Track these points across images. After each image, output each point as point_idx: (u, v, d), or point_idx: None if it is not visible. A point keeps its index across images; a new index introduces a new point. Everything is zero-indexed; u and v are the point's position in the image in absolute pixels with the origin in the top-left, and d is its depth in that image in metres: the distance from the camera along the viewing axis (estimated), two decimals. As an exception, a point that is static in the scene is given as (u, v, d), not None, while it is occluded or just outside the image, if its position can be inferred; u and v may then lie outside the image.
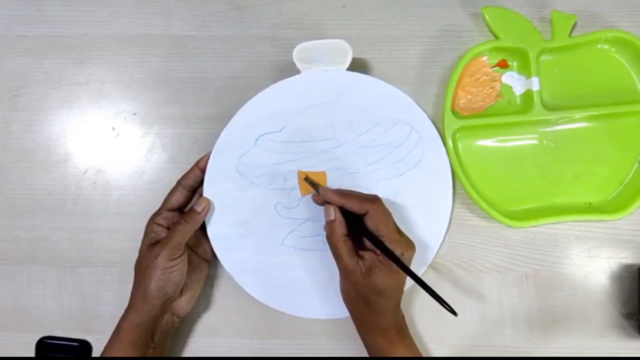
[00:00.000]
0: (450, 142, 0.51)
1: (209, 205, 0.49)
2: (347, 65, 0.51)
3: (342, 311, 0.50)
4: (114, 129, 0.55)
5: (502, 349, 0.51)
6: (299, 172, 0.51)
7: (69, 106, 0.55)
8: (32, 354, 0.53)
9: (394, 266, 0.44)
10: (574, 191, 0.52)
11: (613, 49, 0.53)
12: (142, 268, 0.47)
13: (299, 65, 0.51)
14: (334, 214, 0.45)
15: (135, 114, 0.55)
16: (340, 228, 0.45)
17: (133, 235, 0.53)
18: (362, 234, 0.46)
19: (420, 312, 0.52)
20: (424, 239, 0.50)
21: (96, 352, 0.53)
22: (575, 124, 0.52)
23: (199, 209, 0.49)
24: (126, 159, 0.55)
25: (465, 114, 0.53)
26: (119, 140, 0.55)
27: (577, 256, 0.52)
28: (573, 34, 0.52)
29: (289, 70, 0.52)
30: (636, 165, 0.52)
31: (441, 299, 0.44)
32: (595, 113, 0.51)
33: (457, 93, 0.53)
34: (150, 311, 0.46)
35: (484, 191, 0.52)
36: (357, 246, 0.46)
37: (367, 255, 0.45)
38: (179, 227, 0.47)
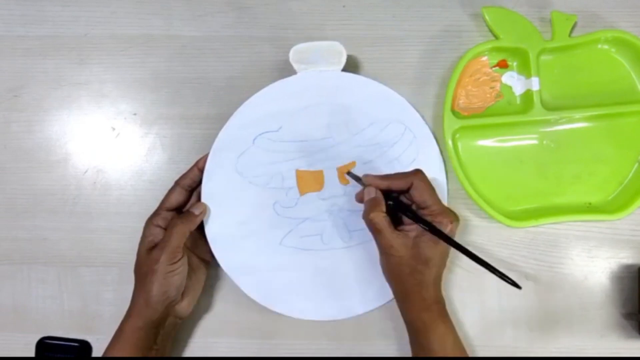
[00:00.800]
0: (450, 142, 0.51)
1: (206, 209, 0.49)
2: (341, 66, 0.51)
3: (341, 313, 0.50)
4: (114, 129, 0.55)
5: (502, 349, 0.51)
6: (297, 172, 0.51)
7: (69, 106, 0.55)
8: (32, 354, 0.52)
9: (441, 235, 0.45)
10: (574, 191, 0.52)
11: (613, 49, 0.52)
12: (142, 273, 0.47)
13: (295, 66, 0.51)
14: (374, 192, 0.46)
15: (135, 114, 0.55)
16: (381, 205, 0.45)
17: (133, 235, 0.52)
18: (404, 212, 0.46)
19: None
20: None
21: (96, 352, 0.53)
22: (575, 124, 0.52)
23: (196, 212, 0.48)
24: (126, 159, 0.54)
25: (465, 114, 0.53)
26: (119, 140, 0.55)
27: (577, 256, 0.52)
28: (573, 34, 0.52)
29: (289, 70, 0.51)
30: (636, 165, 0.52)
31: (498, 272, 0.44)
32: (595, 113, 0.51)
33: (457, 93, 0.53)
34: (153, 315, 0.46)
35: (484, 191, 0.51)
36: (396, 225, 0.46)
37: (410, 227, 0.46)
38: (174, 229, 0.47)
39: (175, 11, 0.55)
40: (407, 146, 0.51)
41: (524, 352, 0.51)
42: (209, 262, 0.51)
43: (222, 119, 0.51)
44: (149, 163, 0.54)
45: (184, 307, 0.48)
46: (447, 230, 0.44)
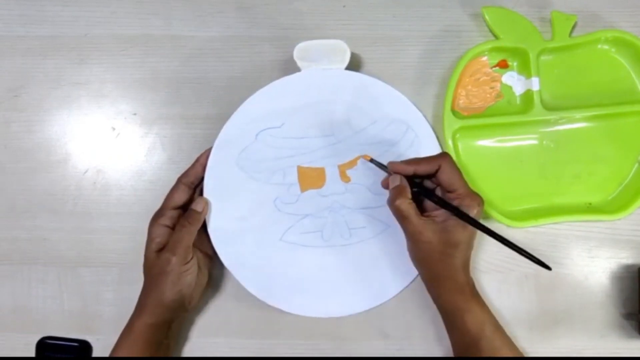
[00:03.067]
0: (450, 142, 0.50)
1: (207, 204, 0.48)
2: (345, 64, 0.50)
3: (340, 310, 0.48)
4: (114, 129, 0.54)
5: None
6: (299, 168, 0.50)
7: (69, 106, 0.54)
8: (32, 354, 0.51)
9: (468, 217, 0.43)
10: (574, 191, 0.51)
11: (613, 49, 0.51)
12: (153, 274, 0.46)
13: (299, 63, 0.50)
14: (399, 179, 0.45)
15: (135, 114, 0.54)
16: (406, 192, 0.44)
17: (133, 235, 0.52)
18: (430, 198, 0.45)
19: (420, 313, 0.50)
20: None
21: (96, 352, 0.52)
22: (575, 124, 0.51)
23: (199, 208, 0.47)
24: (126, 159, 0.53)
25: (465, 114, 0.52)
26: (119, 140, 0.53)
27: (577, 256, 0.51)
28: (573, 34, 0.51)
29: (289, 70, 0.51)
30: (636, 165, 0.51)
31: (527, 253, 0.43)
32: (595, 113, 0.50)
33: (457, 93, 0.52)
34: (165, 313, 0.46)
35: (484, 191, 0.50)
36: (421, 211, 0.45)
37: (437, 212, 0.45)
38: (183, 229, 0.46)
39: (175, 11, 0.54)
40: (408, 146, 0.50)
41: (524, 352, 0.50)
42: (212, 257, 0.50)
43: (222, 119, 0.50)
44: (149, 163, 0.53)
45: (193, 302, 0.48)
46: (474, 213, 0.43)
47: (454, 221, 0.44)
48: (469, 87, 0.52)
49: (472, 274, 0.50)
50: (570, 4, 0.52)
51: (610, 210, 0.49)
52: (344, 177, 0.50)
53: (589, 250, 0.51)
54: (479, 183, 0.51)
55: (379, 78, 0.51)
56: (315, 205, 0.49)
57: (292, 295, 0.49)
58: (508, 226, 0.49)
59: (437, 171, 0.45)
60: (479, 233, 0.44)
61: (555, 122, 0.51)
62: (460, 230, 0.43)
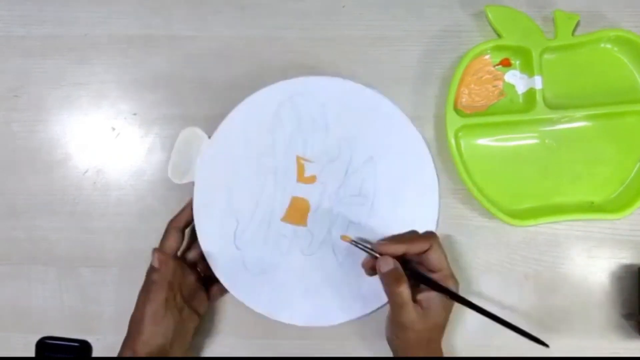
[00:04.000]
0: (452, 141, 0.49)
1: (164, 259, 0.45)
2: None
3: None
4: (114, 129, 0.53)
5: (502, 349, 0.49)
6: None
7: (69, 106, 0.53)
8: (32, 354, 0.50)
9: (446, 298, 0.42)
10: (576, 190, 0.50)
11: (616, 48, 0.50)
12: (130, 325, 0.45)
13: (175, 181, 0.48)
14: (392, 262, 0.42)
15: (135, 114, 0.53)
16: (404, 277, 0.42)
17: (133, 235, 0.51)
18: (425, 283, 0.43)
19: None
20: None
21: (96, 352, 0.51)
22: (578, 123, 0.50)
23: (155, 264, 0.45)
24: (126, 159, 0.52)
25: (468, 112, 0.51)
26: (119, 140, 0.53)
27: (577, 256, 0.50)
28: (576, 33, 0.50)
29: (289, 70, 0.50)
30: (638, 164, 0.50)
31: (522, 330, 0.43)
32: (597, 112, 0.49)
33: (460, 91, 0.51)
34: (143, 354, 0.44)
35: (486, 190, 0.49)
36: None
37: (422, 296, 0.42)
38: (146, 290, 0.45)
39: (175, 11, 0.53)
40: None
41: (524, 352, 0.49)
42: (202, 315, 0.48)
43: (222, 119, 0.49)
44: (149, 163, 0.52)
45: (173, 352, 0.45)
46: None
47: (436, 305, 0.42)
48: (472, 85, 0.51)
49: (472, 274, 0.50)
50: (573, 3, 0.51)
51: (613, 210, 0.48)
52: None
53: (589, 250, 0.50)
54: (481, 181, 0.50)
55: (379, 78, 0.50)
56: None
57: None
58: (510, 225, 0.48)
59: (426, 250, 0.43)
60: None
61: (558, 121, 0.50)
62: (443, 313, 0.42)
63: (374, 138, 0.48)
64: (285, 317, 0.47)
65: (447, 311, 0.43)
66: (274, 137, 0.48)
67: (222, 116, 0.50)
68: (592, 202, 0.50)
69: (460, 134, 0.50)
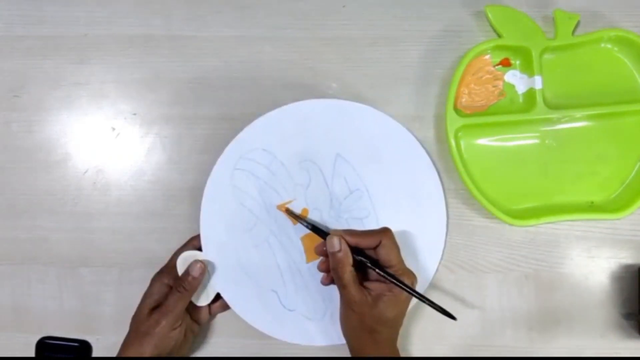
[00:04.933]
0: (452, 141, 0.48)
1: (204, 268, 0.46)
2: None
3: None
4: (114, 129, 0.52)
5: (502, 349, 0.49)
6: (286, 209, 0.48)
7: (69, 106, 0.52)
8: (32, 354, 0.50)
9: (402, 296, 0.43)
10: (576, 190, 0.49)
11: (616, 48, 0.49)
12: (140, 332, 0.44)
13: (198, 304, 0.47)
14: (339, 244, 0.43)
15: (135, 114, 0.52)
16: (348, 259, 0.43)
17: (133, 236, 0.50)
18: (369, 266, 0.43)
19: (420, 312, 0.49)
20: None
21: (96, 352, 0.50)
22: (578, 122, 0.49)
23: (195, 274, 0.45)
24: (126, 159, 0.51)
25: (468, 112, 0.50)
26: (119, 140, 0.52)
27: (577, 256, 0.49)
28: (576, 33, 0.49)
29: (289, 70, 0.49)
30: (638, 164, 0.49)
31: (442, 310, 0.42)
32: (597, 112, 0.48)
33: (460, 91, 0.50)
34: None
35: (486, 190, 0.49)
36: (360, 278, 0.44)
37: (373, 285, 0.43)
38: (177, 295, 0.44)
39: (175, 11, 0.52)
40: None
41: (524, 352, 0.49)
42: (201, 325, 0.48)
43: (222, 119, 0.49)
44: (149, 163, 0.51)
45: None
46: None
47: (387, 298, 0.42)
48: (472, 85, 0.50)
49: (472, 275, 0.49)
50: (573, 3, 0.50)
51: (613, 209, 0.48)
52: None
53: (589, 250, 0.49)
54: (481, 181, 0.49)
55: (379, 79, 0.49)
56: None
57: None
58: (510, 224, 0.48)
59: (377, 246, 0.43)
60: (410, 310, 0.44)
61: (558, 121, 0.49)
62: (392, 307, 0.42)
63: (338, 138, 0.48)
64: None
65: (399, 307, 0.43)
66: (248, 207, 0.48)
67: (222, 116, 0.50)
68: (592, 202, 0.49)
69: (460, 134, 0.49)
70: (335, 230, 0.44)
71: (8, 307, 0.51)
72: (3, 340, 0.50)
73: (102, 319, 0.50)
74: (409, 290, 0.42)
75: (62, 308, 0.50)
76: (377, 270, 0.43)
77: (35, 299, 0.50)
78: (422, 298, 0.43)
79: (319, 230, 0.45)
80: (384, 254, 0.43)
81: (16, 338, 0.50)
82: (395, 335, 0.44)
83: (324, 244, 0.44)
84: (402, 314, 0.43)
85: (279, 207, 0.47)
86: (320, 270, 0.46)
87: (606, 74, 0.49)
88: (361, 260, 0.43)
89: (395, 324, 0.43)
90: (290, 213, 0.47)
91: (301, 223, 0.46)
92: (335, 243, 0.43)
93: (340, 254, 0.42)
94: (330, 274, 0.45)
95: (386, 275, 0.42)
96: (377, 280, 0.43)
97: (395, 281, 0.42)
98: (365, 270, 0.44)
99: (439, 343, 0.49)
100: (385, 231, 0.44)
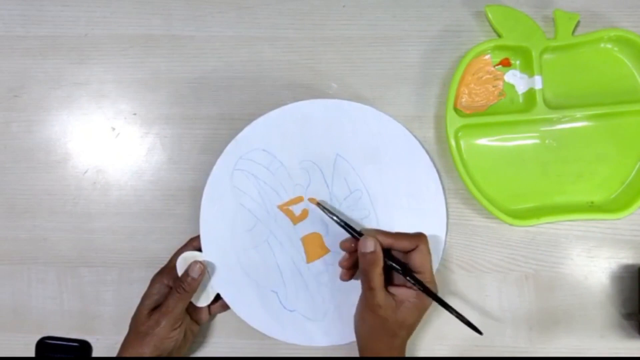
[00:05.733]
0: (452, 141, 0.47)
1: (204, 269, 0.45)
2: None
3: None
4: (114, 129, 0.51)
5: (502, 349, 0.48)
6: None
7: (69, 106, 0.51)
8: (32, 354, 0.49)
9: (426, 303, 0.42)
10: (576, 190, 0.49)
11: (616, 48, 0.49)
12: (140, 332, 0.44)
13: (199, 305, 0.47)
14: (373, 246, 0.41)
15: (135, 114, 0.51)
16: (380, 261, 0.41)
17: (133, 235, 0.50)
18: (399, 273, 0.42)
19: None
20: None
21: (96, 352, 0.49)
22: (578, 122, 0.49)
23: (195, 275, 0.44)
24: (126, 159, 0.51)
25: (468, 112, 0.49)
26: (119, 140, 0.51)
27: (577, 256, 0.49)
28: (576, 33, 0.49)
29: (289, 70, 0.49)
30: (638, 164, 0.48)
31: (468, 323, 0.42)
32: (597, 112, 0.48)
33: (460, 91, 0.49)
34: None
35: (486, 190, 0.48)
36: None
37: (399, 291, 0.42)
38: (177, 296, 0.44)
39: (175, 11, 0.52)
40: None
41: (524, 352, 0.48)
42: (200, 325, 0.48)
43: (222, 119, 0.48)
44: (149, 163, 0.51)
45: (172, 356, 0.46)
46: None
47: (411, 304, 0.42)
48: (472, 85, 0.50)
49: (472, 275, 0.49)
50: (573, 3, 0.50)
51: (613, 209, 0.47)
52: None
53: (588, 250, 0.49)
54: (481, 181, 0.48)
55: (378, 79, 0.49)
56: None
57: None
58: (510, 224, 0.47)
59: (410, 250, 0.42)
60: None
61: (558, 121, 0.48)
62: (414, 313, 0.42)
63: (337, 138, 0.47)
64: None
65: (420, 313, 0.42)
66: (248, 207, 0.47)
67: (222, 116, 0.49)
68: (592, 202, 0.48)
69: (460, 134, 0.48)
70: (369, 230, 0.43)
71: (8, 307, 0.50)
72: (3, 340, 0.50)
73: (102, 319, 0.49)
74: (440, 301, 0.41)
75: (62, 308, 0.50)
76: (407, 277, 0.42)
77: (35, 299, 0.50)
78: (452, 310, 0.42)
79: (350, 228, 0.44)
80: (418, 260, 0.42)
81: (16, 338, 0.50)
82: (408, 338, 0.43)
83: (352, 241, 0.43)
84: (419, 320, 0.43)
85: (311, 200, 0.46)
86: (342, 266, 0.45)
87: (606, 74, 0.49)
88: (391, 266, 0.42)
89: (413, 329, 0.43)
90: (322, 208, 0.45)
91: (332, 218, 0.44)
92: (369, 244, 0.41)
93: (373, 256, 0.41)
94: (351, 271, 0.44)
95: (416, 284, 0.41)
96: (402, 286, 0.42)
97: (426, 290, 0.41)
98: (388, 273, 0.43)
99: (439, 343, 0.48)
100: (421, 236, 0.43)
